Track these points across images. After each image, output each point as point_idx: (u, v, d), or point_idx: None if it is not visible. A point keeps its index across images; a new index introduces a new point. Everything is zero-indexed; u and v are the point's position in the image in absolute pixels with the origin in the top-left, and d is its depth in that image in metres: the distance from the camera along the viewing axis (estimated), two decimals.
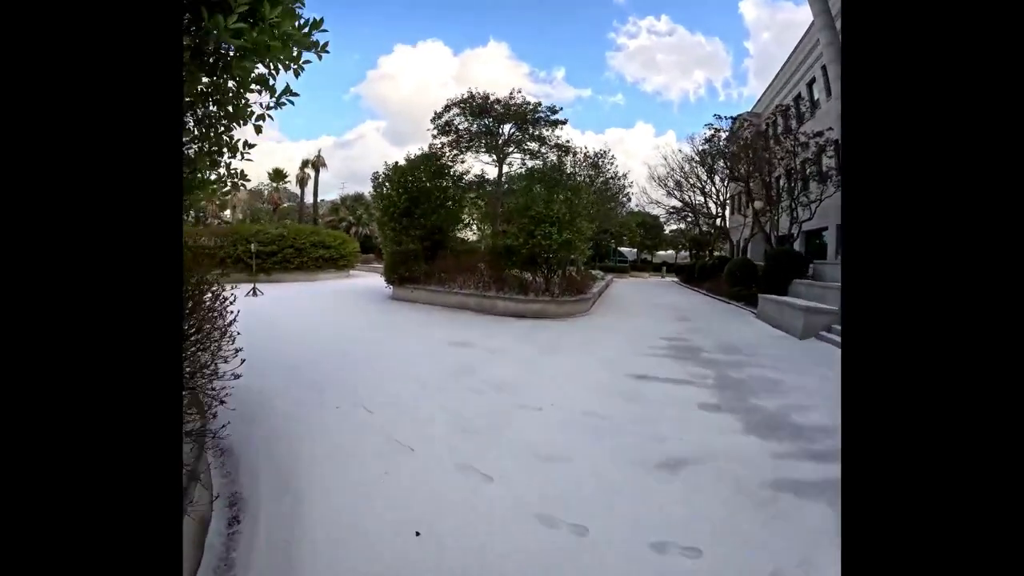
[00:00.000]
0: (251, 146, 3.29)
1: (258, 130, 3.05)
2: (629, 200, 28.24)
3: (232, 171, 3.33)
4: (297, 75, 2.84)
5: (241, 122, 3.05)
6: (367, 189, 39.08)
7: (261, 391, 5.12)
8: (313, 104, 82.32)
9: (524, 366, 6.71)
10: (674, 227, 41.47)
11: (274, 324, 9.32)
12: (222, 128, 3.09)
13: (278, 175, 37.61)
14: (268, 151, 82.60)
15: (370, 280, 20.29)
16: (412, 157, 13.88)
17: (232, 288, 4.15)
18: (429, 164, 13.75)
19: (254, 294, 14.06)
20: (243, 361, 3.61)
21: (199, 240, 17.53)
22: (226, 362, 3.54)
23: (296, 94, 2.96)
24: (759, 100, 26.62)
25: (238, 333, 3.87)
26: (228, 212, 37.09)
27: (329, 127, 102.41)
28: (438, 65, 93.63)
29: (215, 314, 3.55)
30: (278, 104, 2.90)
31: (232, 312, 3.86)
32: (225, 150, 3.20)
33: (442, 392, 5.39)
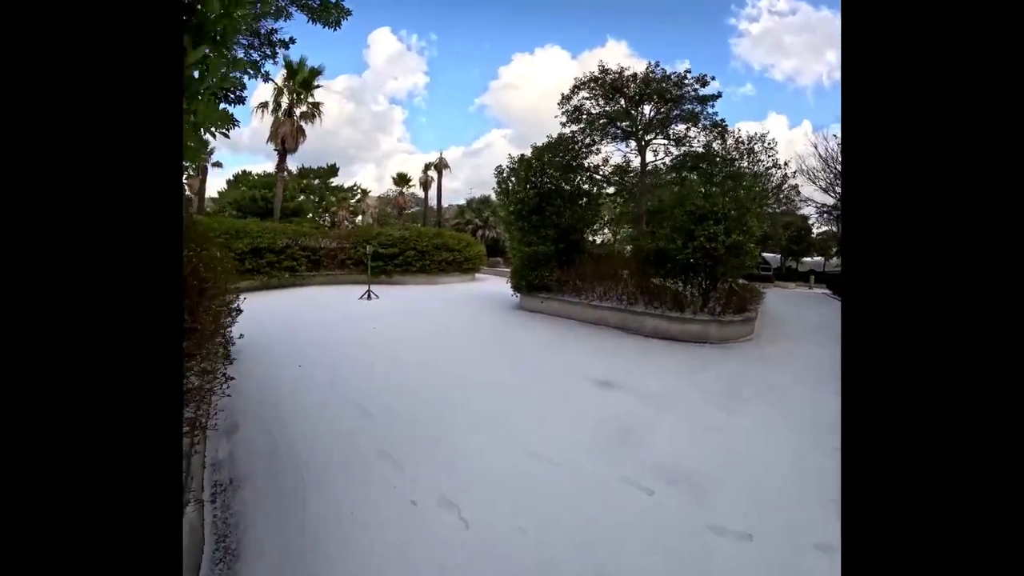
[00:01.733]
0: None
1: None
2: (798, 194, 23.12)
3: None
4: None
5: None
6: (494, 190, 38.85)
7: (312, 456, 3.60)
8: (441, 117, 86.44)
9: (700, 432, 4.53)
10: (823, 229, 35.97)
11: (372, 342, 8.02)
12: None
13: (402, 179, 38.41)
14: (401, 162, 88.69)
15: (496, 285, 19.07)
16: (538, 146, 12.14)
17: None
18: (560, 153, 11.94)
19: (368, 297, 13.29)
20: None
21: (320, 242, 17.52)
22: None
23: None
24: None
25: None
26: (360, 218, 38.93)
27: (457, 138, 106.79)
28: (557, 70, 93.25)
29: None
30: None
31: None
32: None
33: (583, 482, 3.44)
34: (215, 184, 46.33)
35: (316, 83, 24.11)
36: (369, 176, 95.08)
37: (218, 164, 32.40)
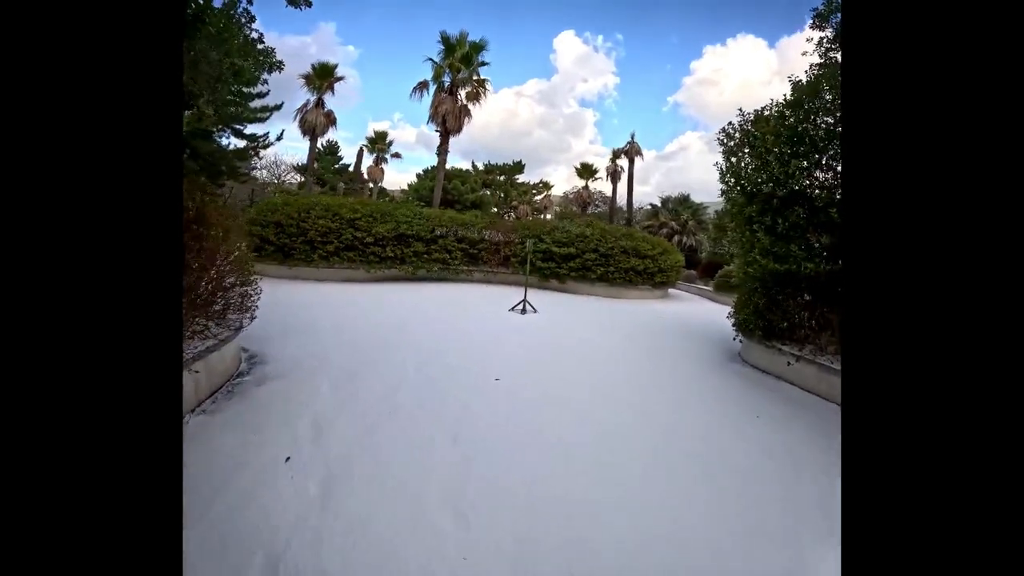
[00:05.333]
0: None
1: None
2: None
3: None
4: None
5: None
6: (695, 193, 33.57)
7: None
8: (633, 118, 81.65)
9: None
10: None
11: (471, 428, 3.89)
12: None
13: (587, 171, 34.87)
14: (591, 163, 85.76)
15: (695, 307, 14.33)
16: (802, 82, 6.83)
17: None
18: (826, 110, 6.91)
19: (522, 310, 9.86)
20: None
21: (482, 233, 14.72)
22: None
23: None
24: None
25: None
26: (543, 215, 37.55)
27: (649, 141, 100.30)
28: (755, 61, 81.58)
29: None
30: None
31: None
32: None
33: None
34: (407, 178, 49.47)
35: (480, 59, 22.23)
36: (560, 177, 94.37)
37: (397, 155, 34.18)
